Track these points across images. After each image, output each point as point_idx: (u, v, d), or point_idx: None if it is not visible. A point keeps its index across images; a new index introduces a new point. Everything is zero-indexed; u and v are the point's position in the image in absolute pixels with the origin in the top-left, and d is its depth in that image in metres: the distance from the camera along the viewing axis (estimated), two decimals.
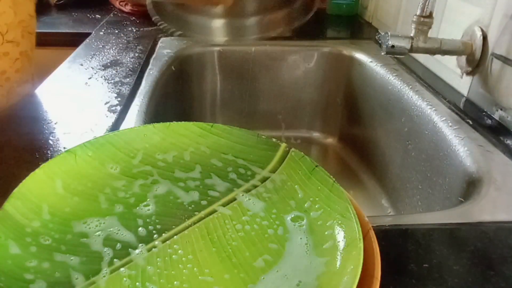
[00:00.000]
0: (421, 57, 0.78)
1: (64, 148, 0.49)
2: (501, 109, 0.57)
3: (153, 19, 0.65)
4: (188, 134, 0.42)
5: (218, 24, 0.68)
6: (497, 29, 0.58)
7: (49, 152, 0.48)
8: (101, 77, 0.68)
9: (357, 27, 1.07)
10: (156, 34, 0.91)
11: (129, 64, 0.74)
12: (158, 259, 0.31)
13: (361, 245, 0.30)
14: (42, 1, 1.18)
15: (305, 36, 0.98)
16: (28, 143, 0.49)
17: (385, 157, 0.77)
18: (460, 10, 0.66)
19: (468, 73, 0.64)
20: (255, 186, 0.39)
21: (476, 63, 0.61)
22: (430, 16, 0.59)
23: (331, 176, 0.37)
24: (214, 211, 0.36)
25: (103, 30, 0.93)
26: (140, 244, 0.33)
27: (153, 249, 0.32)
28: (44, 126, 0.54)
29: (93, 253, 0.32)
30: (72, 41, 0.92)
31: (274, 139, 0.42)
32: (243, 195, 0.38)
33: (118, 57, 0.77)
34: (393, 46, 0.60)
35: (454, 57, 0.66)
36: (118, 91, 0.64)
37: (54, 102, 0.60)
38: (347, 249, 0.30)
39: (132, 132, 0.42)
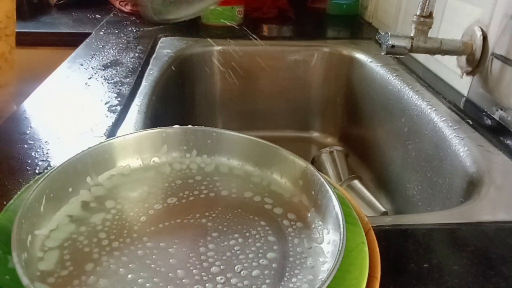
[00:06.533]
0: (421, 57, 0.78)
1: (64, 148, 0.49)
2: (501, 109, 0.57)
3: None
4: None
5: None
6: (497, 29, 0.58)
7: (49, 152, 0.48)
8: (101, 77, 0.68)
9: (357, 27, 1.07)
10: (156, 34, 0.91)
11: (129, 64, 0.74)
12: None
13: (366, 249, 0.30)
14: (42, 1, 1.18)
15: (305, 36, 0.98)
16: (28, 143, 0.49)
17: (385, 157, 0.77)
18: (460, 10, 0.66)
19: (468, 73, 0.64)
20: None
21: (476, 63, 0.61)
22: (430, 16, 0.59)
23: (332, 183, 0.38)
24: None
25: (103, 30, 0.93)
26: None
27: None
28: (44, 126, 0.54)
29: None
30: (72, 41, 0.92)
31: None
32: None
33: (118, 57, 0.77)
34: (393, 46, 0.60)
35: (454, 57, 0.66)
36: (118, 91, 0.64)
37: (54, 102, 0.60)
38: (353, 253, 0.30)
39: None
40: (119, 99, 0.61)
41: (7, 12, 0.68)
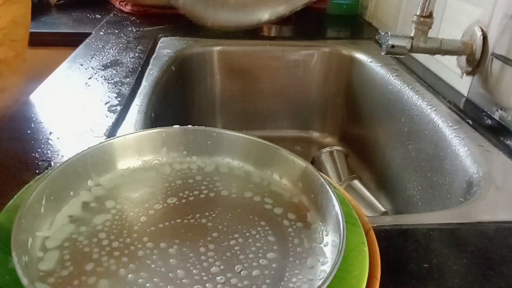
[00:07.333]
0: (421, 57, 0.78)
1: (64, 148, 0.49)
2: (501, 109, 0.57)
3: None
4: None
5: None
6: (497, 29, 0.58)
7: (49, 152, 0.48)
8: (101, 77, 0.68)
9: (357, 27, 1.07)
10: (156, 34, 0.91)
11: (129, 64, 0.74)
12: None
13: (366, 249, 0.30)
14: (42, 1, 1.18)
15: (305, 36, 0.98)
16: (28, 143, 0.49)
17: (385, 157, 0.77)
18: (460, 10, 0.66)
19: (468, 73, 0.64)
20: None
21: (476, 63, 0.61)
22: (430, 16, 0.59)
23: (332, 183, 0.37)
24: None
25: (103, 30, 0.93)
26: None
27: None
28: (44, 126, 0.54)
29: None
30: (72, 41, 0.92)
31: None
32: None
33: (118, 57, 0.77)
34: (393, 46, 0.60)
35: (454, 57, 0.66)
36: (118, 91, 0.64)
37: (54, 102, 0.60)
38: (353, 253, 0.30)
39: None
40: (119, 99, 0.61)
41: (14, 17, 0.67)
